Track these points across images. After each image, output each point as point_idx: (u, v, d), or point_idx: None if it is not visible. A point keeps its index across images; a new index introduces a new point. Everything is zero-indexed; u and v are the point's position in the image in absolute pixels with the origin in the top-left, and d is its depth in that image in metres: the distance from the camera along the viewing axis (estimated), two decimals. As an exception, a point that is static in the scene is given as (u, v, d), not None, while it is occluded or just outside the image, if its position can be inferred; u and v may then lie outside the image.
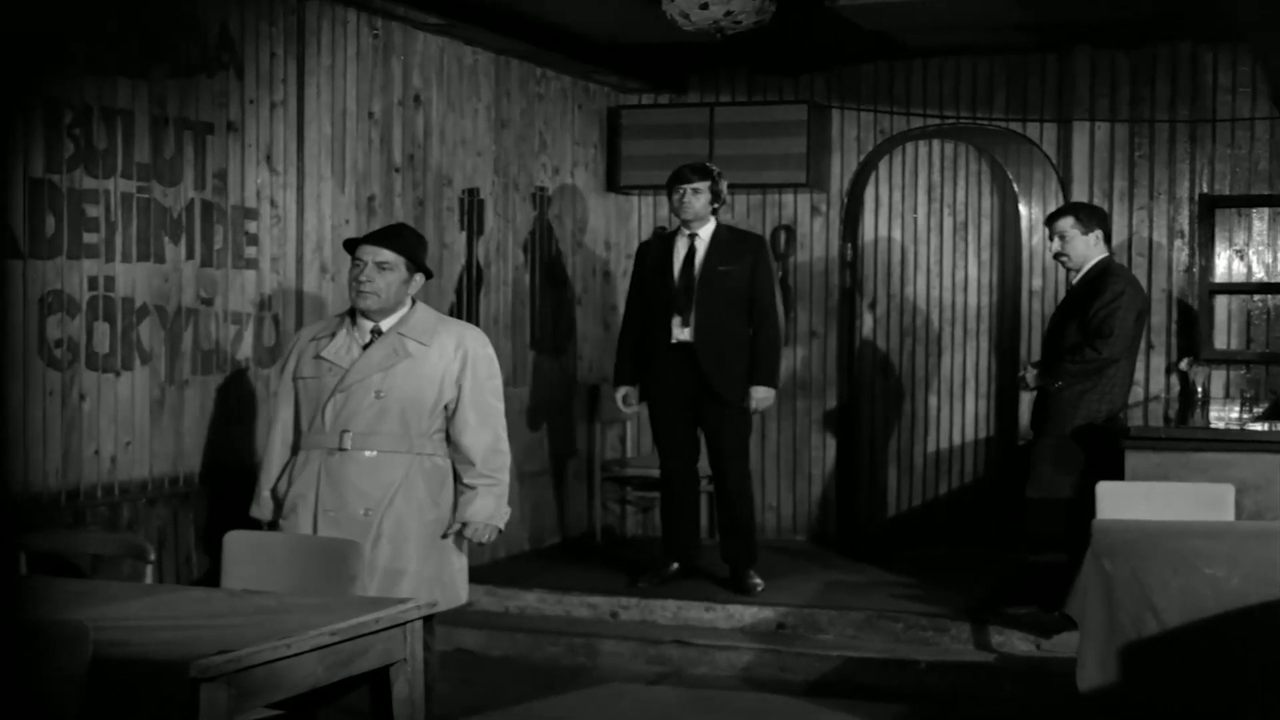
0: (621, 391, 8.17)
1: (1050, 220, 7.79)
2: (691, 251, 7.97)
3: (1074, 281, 7.70)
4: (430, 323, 5.73)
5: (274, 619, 4.25)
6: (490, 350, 5.80)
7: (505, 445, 5.78)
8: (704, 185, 7.90)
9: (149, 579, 5.49)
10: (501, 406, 5.80)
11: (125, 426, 6.36)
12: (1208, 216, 9.10)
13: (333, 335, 5.71)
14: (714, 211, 7.99)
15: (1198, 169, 9.10)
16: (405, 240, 5.72)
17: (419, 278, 5.71)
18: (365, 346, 5.65)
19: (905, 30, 8.94)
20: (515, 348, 9.10)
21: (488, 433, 5.71)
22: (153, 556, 5.52)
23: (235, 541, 5.29)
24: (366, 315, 5.67)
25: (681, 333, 7.93)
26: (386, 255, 5.61)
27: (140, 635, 4.04)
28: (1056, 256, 7.78)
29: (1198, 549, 5.48)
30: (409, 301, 5.74)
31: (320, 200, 7.39)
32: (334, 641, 4.19)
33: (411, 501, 5.59)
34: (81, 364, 6.15)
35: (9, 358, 5.83)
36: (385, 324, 5.67)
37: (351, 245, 5.73)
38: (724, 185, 8.04)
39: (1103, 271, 7.54)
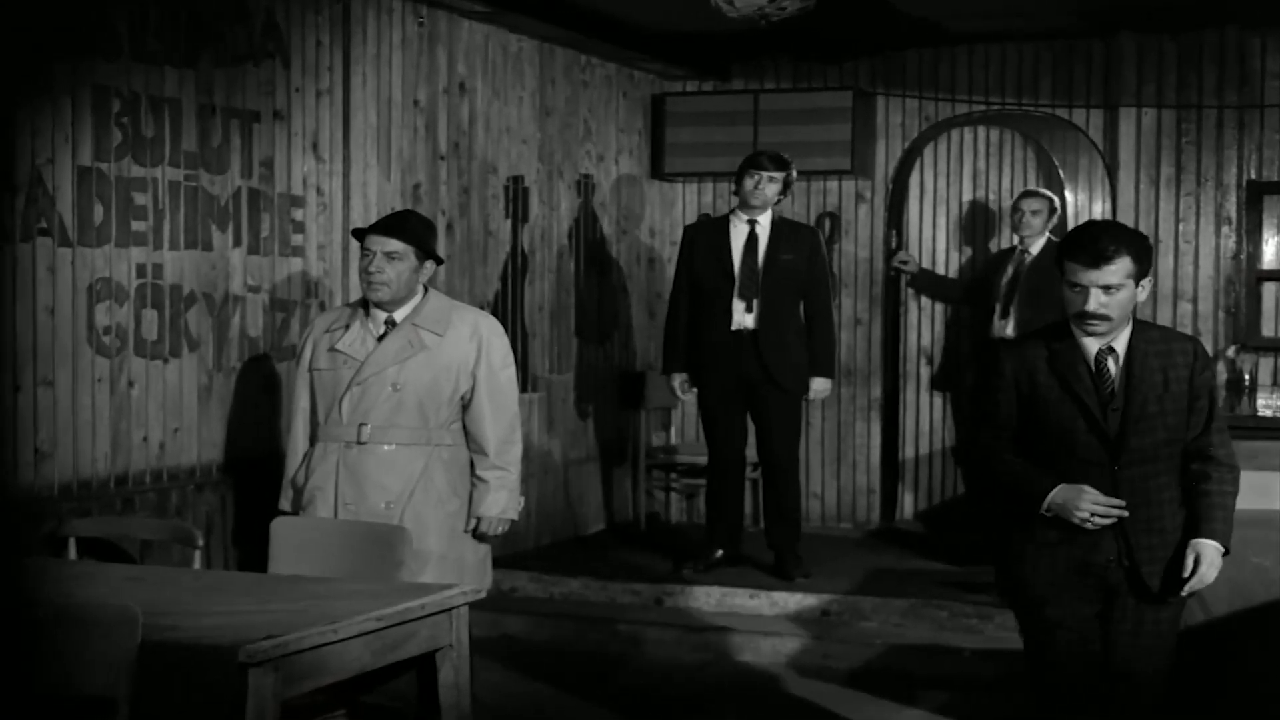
0: (678, 379, 8.12)
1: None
2: (753, 238, 7.97)
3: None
4: (444, 311, 5.68)
5: (321, 604, 4.28)
6: (504, 339, 5.77)
7: (518, 435, 5.77)
8: (780, 175, 7.94)
9: (197, 564, 5.54)
10: (516, 395, 5.78)
11: (173, 413, 6.41)
12: (1255, 203, 9.04)
13: (347, 326, 5.68)
14: (777, 201, 8.01)
15: (1245, 155, 9.04)
16: (413, 228, 5.63)
17: (429, 265, 5.65)
18: (380, 338, 5.62)
19: (950, 16, 8.91)
20: (560, 335, 9.12)
21: (502, 423, 5.69)
22: (201, 542, 5.57)
23: (282, 527, 5.33)
24: (379, 306, 5.65)
25: (745, 319, 7.93)
26: (395, 245, 5.54)
27: (189, 620, 4.08)
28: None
29: (1245, 537, 5.43)
30: (421, 289, 5.68)
31: (366, 188, 7.42)
32: (380, 627, 4.21)
33: (431, 493, 5.59)
34: (130, 351, 6.20)
35: (58, 345, 5.88)
36: (399, 314, 5.63)
37: (359, 235, 5.72)
38: (795, 177, 8.09)
39: None
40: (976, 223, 9.97)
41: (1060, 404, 4.60)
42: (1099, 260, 4.48)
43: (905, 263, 9.62)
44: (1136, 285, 4.56)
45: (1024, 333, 5.09)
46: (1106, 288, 4.49)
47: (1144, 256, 4.58)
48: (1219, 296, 9.08)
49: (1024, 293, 8.51)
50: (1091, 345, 4.61)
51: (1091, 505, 4.53)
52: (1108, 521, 4.54)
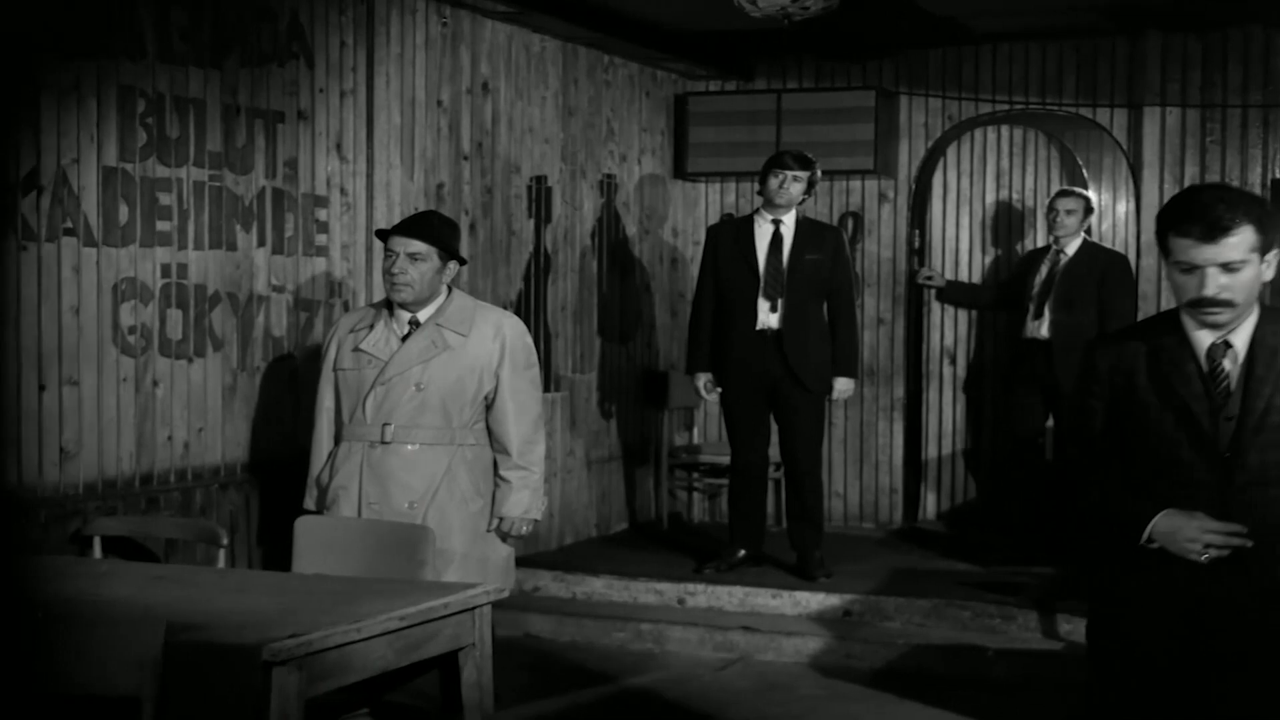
0: (702, 378, 8.11)
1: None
2: (778, 238, 7.97)
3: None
4: (468, 311, 5.70)
5: (344, 603, 4.29)
6: (528, 339, 5.79)
7: (542, 435, 5.78)
8: (804, 175, 7.93)
9: (221, 563, 5.57)
10: (539, 395, 5.79)
11: (198, 412, 6.43)
12: (1279, 202, 9.03)
13: (371, 326, 5.70)
14: (802, 201, 8.00)
15: (1270, 154, 9.01)
16: (435, 229, 5.64)
17: (453, 265, 5.66)
18: (404, 338, 5.64)
19: (974, 14, 8.89)
20: (583, 335, 9.13)
21: (525, 423, 5.70)
22: (225, 541, 5.59)
23: (306, 526, 5.34)
24: (403, 306, 5.66)
25: (769, 319, 7.93)
26: (418, 246, 5.56)
27: (213, 619, 4.08)
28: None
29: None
30: (445, 290, 5.70)
31: (390, 188, 7.44)
32: (404, 626, 4.22)
33: (455, 493, 5.60)
34: (155, 350, 6.22)
35: (83, 345, 5.91)
36: (423, 315, 5.65)
37: (383, 235, 5.73)
38: (819, 176, 8.07)
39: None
40: (1000, 223, 9.96)
41: (1161, 412, 3.75)
42: (1215, 232, 3.61)
43: (930, 278, 9.65)
44: (1261, 260, 3.70)
45: (1125, 325, 4.10)
46: (1226, 265, 3.64)
47: (1269, 225, 3.68)
48: (1243, 296, 9.03)
49: (1059, 294, 8.48)
50: (1204, 339, 3.75)
51: (1205, 534, 3.66)
52: (1224, 554, 3.67)
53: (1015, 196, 9.93)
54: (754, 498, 8.28)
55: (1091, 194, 8.87)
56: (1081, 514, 3.92)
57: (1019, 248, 9.80)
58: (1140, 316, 8.93)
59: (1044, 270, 8.61)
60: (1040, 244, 9.43)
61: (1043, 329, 8.49)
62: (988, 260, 9.95)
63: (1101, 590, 3.94)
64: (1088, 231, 8.65)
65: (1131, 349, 3.83)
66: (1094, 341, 4.00)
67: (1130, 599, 3.82)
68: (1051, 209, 8.62)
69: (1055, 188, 9.67)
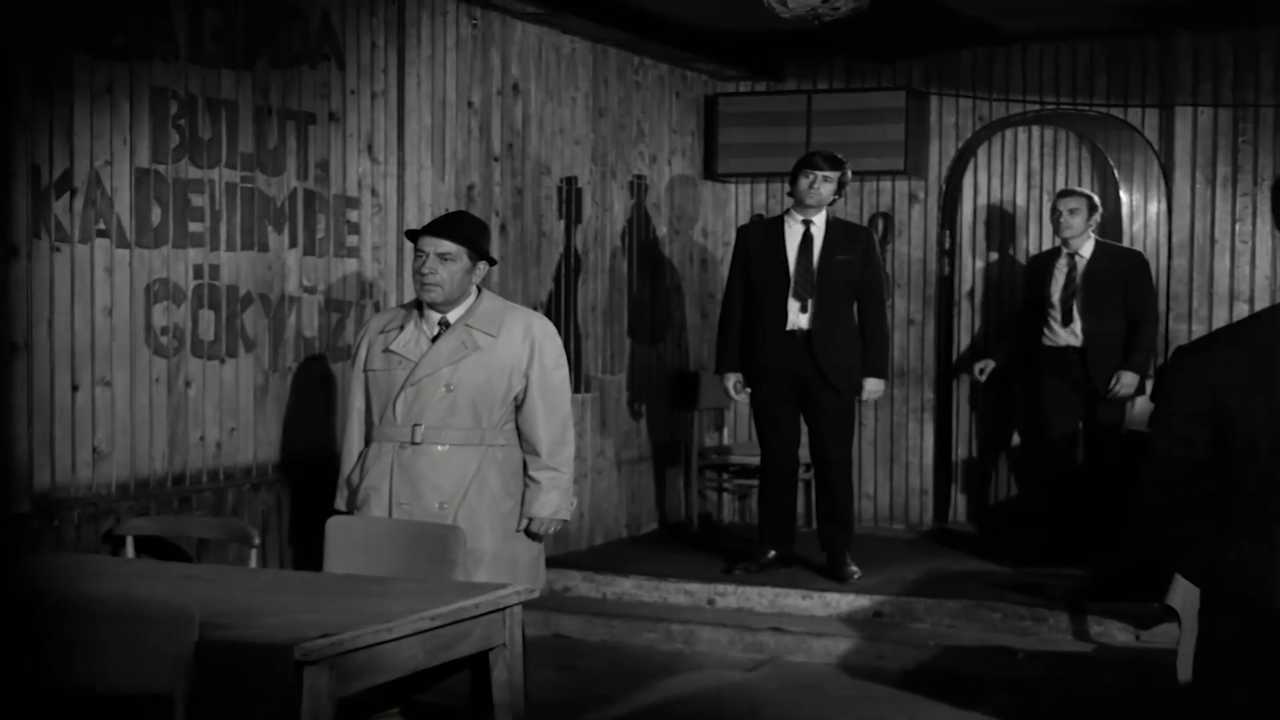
0: (731, 379, 8.11)
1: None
2: (808, 238, 7.96)
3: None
4: (497, 312, 5.70)
5: (375, 603, 4.30)
6: (557, 339, 5.78)
7: (571, 435, 5.77)
8: (834, 175, 7.91)
9: (253, 563, 5.60)
10: (568, 394, 5.79)
11: (230, 413, 6.46)
12: (1314, 202, 8.96)
13: (401, 327, 5.70)
14: (832, 202, 7.99)
15: (1303, 154, 8.98)
16: (465, 229, 5.63)
17: (482, 266, 5.65)
18: (434, 339, 5.65)
19: (1004, 15, 8.88)
20: (613, 336, 9.14)
21: (555, 423, 5.69)
22: (257, 541, 5.62)
23: (337, 526, 5.36)
24: (433, 306, 5.68)
25: (799, 319, 7.93)
26: (448, 246, 5.55)
27: (245, 618, 4.10)
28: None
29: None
30: (474, 290, 5.69)
31: (420, 189, 7.46)
32: (434, 626, 4.23)
33: (485, 494, 5.60)
34: (187, 351, 6.25)
35: (116, 346, 5.94)
36: (452, 315, 5.64)
37: (413, 236, 5.75)
38: (850, 177, 8.06)
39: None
40: (1032, 223, 9.93)
41: (1272, 435, 2.94)
42: None
43: (984, 369, 9.52)
44: None
45: (1213, 332, 3.21)
46: None
47: None
48: (1275, 297, 9.01)
49: (1084, 300, 8.36)
50: None
51: None
52: None
53: (1046, 197, 9.90)
54: (784, 498, 8.28)
55: (1092, 194, 8.70)
56: (1177, 564, 3.18)
57: (1011, 249, 9.78)
58: (1167, 317, 8.92)
59: (1061, 275, 8.49)
60: (1047, 247, 9.37)
61: (1075, 336, 8.40)
62: (1018, 259, 9.92)
63: (1221, 663, 3.13)
64: (1101, 232, 8.58)
65: (1229, 358, 3.02)
66: (1182, 353, 3.14)
67: (1266, 672, 3.02)
68: (1054, 210, 8.52)
69: (1086, 188, 9.64)
